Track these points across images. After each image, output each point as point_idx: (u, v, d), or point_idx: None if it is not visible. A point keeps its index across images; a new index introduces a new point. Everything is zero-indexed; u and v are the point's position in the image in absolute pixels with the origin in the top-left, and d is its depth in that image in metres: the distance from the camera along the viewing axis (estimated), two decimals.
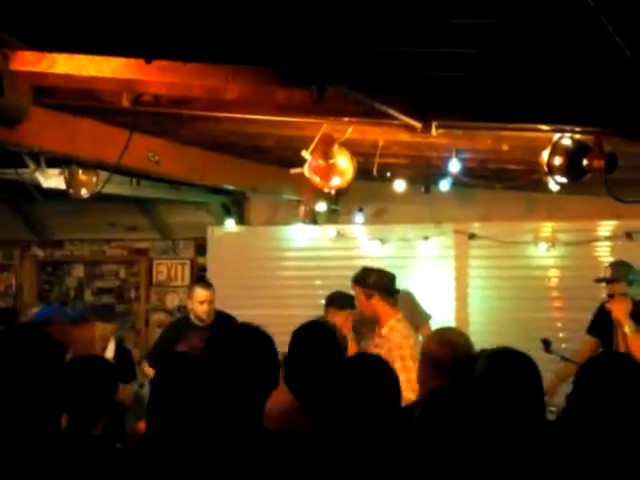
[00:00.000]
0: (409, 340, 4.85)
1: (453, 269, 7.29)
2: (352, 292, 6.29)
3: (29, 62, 3.54)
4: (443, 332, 3.80)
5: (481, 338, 6.65)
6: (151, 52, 3.41)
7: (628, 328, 5.18)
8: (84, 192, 6.08)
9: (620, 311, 5.29)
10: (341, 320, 5.98)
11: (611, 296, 5.58)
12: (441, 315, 6.67)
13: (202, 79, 3.57)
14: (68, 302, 9.03)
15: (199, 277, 8.50)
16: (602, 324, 5.64)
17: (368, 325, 6.41)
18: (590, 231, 6.96)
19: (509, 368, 2.87)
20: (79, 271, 9.21)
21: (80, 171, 6.01)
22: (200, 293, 6.22)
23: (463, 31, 2.98)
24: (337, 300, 6.12)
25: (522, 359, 2.92)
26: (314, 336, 3.61)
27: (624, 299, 5.37)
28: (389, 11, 2.88)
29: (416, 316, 6.45)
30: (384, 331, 4.96)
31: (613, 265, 5.86)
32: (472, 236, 7.21)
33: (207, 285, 6.33)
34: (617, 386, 2.66)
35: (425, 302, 6.64)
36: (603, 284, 5.76)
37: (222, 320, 6.10)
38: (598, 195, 6.45)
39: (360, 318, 6.15)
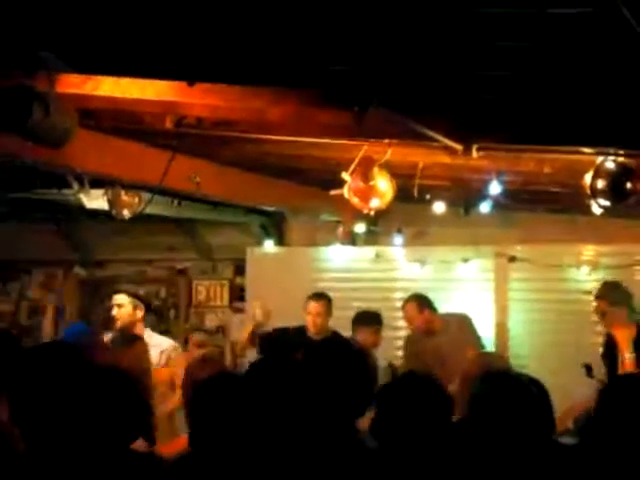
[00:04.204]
0: None
1: (493, 292, 7.21)
2: (387, 312, 6.41)
3: (74, 85, 3.60)
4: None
5: (521, 362, 6.62)
6: (194, 75, 3.45)
7: (628, 354, 5.12)
8: (126, 213, 6.16)
9: (622, 336, 5.23)
10: (369, 336, 6.18)
11: (602, 314, 5.61)
12: None
13: (245, 101, 3.60)
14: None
15: (238, 297, 8.56)
16: (608, 350, 5.60)
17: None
18: (633, 254, 6.85)
19: (500, 393, 2.78)
20: None
21: (123, 192, 6.09)
22: (309, 304, 6.17)
23: (505, 53, 2.98)
24: (363, 317, 6.37)
25: (517, 384, 2.83)
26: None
27: (628, 325, 5.31)
28: (430, 33, 2.89)
29: (465, 341, 6.33)
30: None
31: (602, 283, 5.96)
32: (512, 259, 7.14)
33: (318, 297, 6.21)
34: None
35: None
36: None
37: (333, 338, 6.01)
38: None
39: None
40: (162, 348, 5.13)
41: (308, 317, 6.16)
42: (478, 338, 6.46)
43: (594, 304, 5.81)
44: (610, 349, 5.48)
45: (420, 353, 6.33)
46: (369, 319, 6.39)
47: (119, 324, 5.27)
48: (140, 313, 5.38)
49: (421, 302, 6.39)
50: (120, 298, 5.40)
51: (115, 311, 5.37)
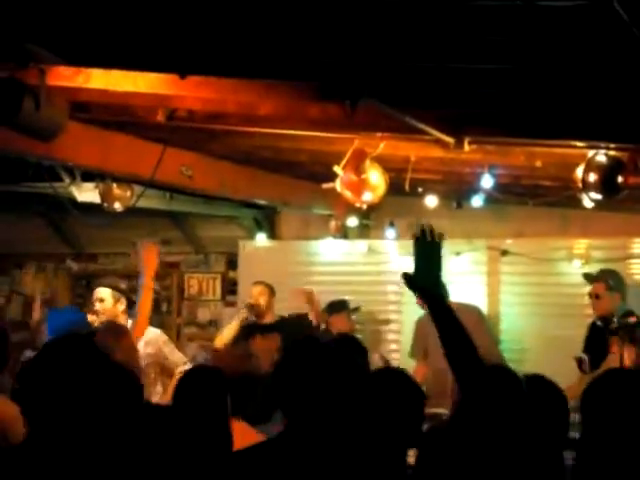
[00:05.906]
0: None
1: (485, 285, 7.23)
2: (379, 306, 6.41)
3: (65, 77, 3.59)
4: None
5: (513, 356, 6.64)
6: (186, 67, 3.44)
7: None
8: (118, 206, 6.15)
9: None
10: (346, 321, 6.53)
11: (597, 297, 5.68)
12: None
13: (236, 94, 3.60)
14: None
15: (231, 291, 8.55)
16: (593, 342, 5.60)
17: None
18: (625, 248, 6.86)
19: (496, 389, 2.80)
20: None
21: (114, 185, 6.08)
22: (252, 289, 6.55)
23: (496, 47, 2.98)
24: (335, 306, 6.63)
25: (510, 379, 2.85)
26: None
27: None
28: (421, 27, 2.89)
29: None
30: None
31: (601, 269, 6.03)
32: (504, 252, 7.15)
33: (256, 283, 6.58)
34: (626, 402, 2.63)
35: None
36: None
37: (281, 323, 6.34)
38: (633, 212, 6.39)
39: None
40: (147, 338, 5.15)
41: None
42: (489, 331, 6.49)
43: (589, 287, 5.83)
44: (595, 341, 5.48)
45: (427, 335, 6.31)
46: (339, 306, 6.61)
47: (102, 318, 5.30)
48: (121, 306, 5.45)
49: None
50: (101, 292, 5.47)
51: (97, 305, 5.44)
